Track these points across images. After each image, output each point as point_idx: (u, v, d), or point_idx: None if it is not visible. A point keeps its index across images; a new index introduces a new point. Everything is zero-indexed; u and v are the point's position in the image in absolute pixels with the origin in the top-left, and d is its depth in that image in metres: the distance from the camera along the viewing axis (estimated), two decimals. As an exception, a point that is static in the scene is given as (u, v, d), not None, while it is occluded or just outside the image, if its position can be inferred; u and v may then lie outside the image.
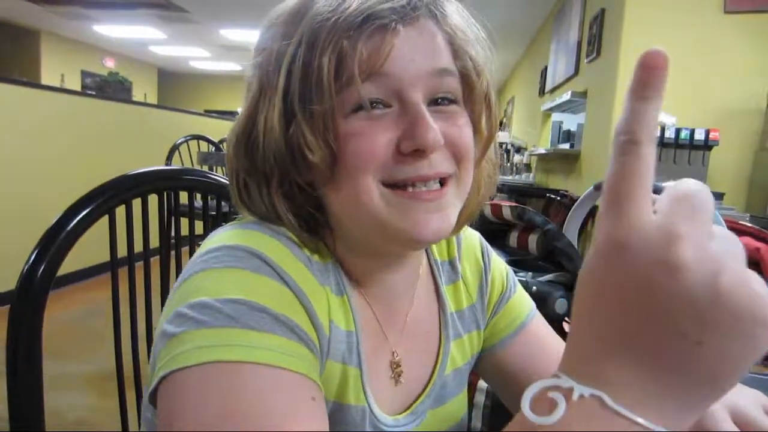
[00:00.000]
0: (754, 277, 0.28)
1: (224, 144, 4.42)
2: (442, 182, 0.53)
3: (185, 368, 0.42)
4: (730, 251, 0.28)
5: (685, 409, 0.29)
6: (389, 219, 0.51)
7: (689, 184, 0.30)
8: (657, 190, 0.30)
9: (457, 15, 0.56)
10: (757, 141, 3.49)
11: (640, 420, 0.28)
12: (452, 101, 0.53)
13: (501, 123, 9.76)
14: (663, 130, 3.25)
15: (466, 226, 0.72)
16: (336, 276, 0.56)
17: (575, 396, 0.29)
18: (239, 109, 0.56)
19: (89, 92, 6.77)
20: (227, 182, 0.58)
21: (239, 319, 0.43)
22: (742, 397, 0.53)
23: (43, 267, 0.71)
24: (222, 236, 0.51)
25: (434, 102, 0.52)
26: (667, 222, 0.28)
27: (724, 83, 3.47)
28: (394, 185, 0.51)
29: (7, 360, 0.69)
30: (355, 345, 0.56)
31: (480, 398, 1.20)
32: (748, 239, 1.44)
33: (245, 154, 0.54)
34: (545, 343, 0.71)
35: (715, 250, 0.28)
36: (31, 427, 0.71)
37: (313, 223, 0.55)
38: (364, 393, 0.56)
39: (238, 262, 0.47)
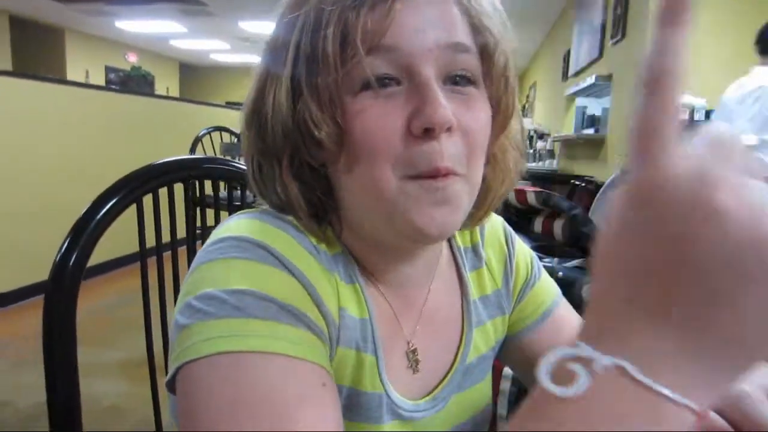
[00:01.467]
0: None
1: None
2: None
3: (194, 360, 0.43)
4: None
5: (715, 379, 0.26)
6: (396, 207, 0.49)
7: (721, 127, 0.28)
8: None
9: None
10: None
11: (667, 392, 0.25)
12: (470, 81, 0.50)
13: (523, 109, 9.65)
14: (692, 112, 3.18)
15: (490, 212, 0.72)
16: (345, 264, 0.55)
17: (597, 367, 0.26)
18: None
19: (113, 87, 6.87)
20: None
21: (245, 310, 0.44)
22: None
23: (75, 255, 0.72)
24: (229, 227, 0.51)
25: (451, 81, 0.49)
26: (703, 165, 0.25)
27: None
28: (407, 174, 0.48)
29: (44, 347, 0.71)
30: (370, 332, 0.55)
31: (506, 385, 1.19)
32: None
33: (256, 134, 0.53)
34: (571, 330, 0.69)
35: (756, 197, 0.25)
36: (69, 412, 0.72)
37: (321, 210, 0.54)
38: (381, 380, 0.56)
39: (243, 252, 0.47)
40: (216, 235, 0.50)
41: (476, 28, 0.51)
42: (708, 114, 3.17)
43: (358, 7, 0.46)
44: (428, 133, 0.47)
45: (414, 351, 0.60)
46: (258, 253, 0.47)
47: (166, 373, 0.47)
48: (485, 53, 0.51)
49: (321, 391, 0.44)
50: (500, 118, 0.54)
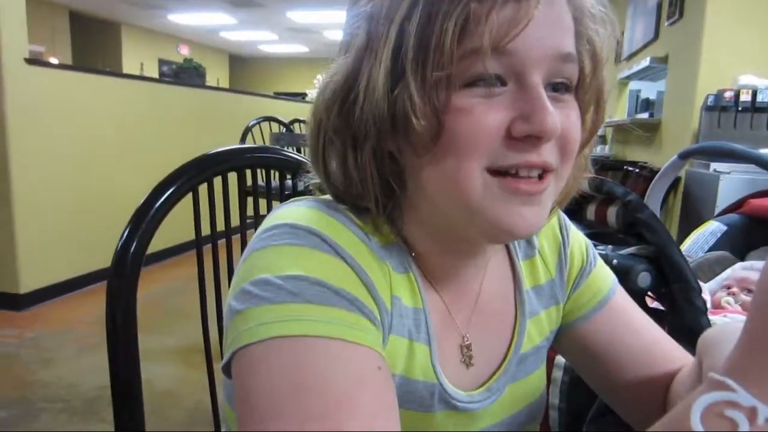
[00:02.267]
0: None
1: (295, 125, 4.51)
2: (542, 175, 0.49)
3: (251, 344, 0.43)
4: None
5: None
6: (483, 206, 0.47)
7: None
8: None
9: None
10: None
11: None
12: (568, 89, 0.49)
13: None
14: (755, 94, 3.03)
15: None
16: (400, 254, 0.54)
17: (761, 419, 0.24)
18: (330, 71, 0.51)
19: (166, 79, 7.06)
20: (302, 160, 0.57)
21: (300, 294, 0.44)
22: None
23: (135, 243, 0.75)
24: (281, 214, 0.51)
25: (551, 87, 0.48)
26: None
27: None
28: (497, 171, 0.47)
29: (107, 333, 0.74)
30: (423, 322, 0.55)
31: (558, 374, 1.18)
32: None
33: (339, 112, 0.50)
34: (629, 319, 0.68)
35: None
36: (131, 394, 0.76)
37: (385, 199, 0.52)
38: (434, 371, 0.55)
39: (296, 239, 0.47)
40: (268, 222, 0.51)
41: (579, 37, 0.49)
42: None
43: (487, 1, 0.43)
44: (530, 139, 0.46)
45: (468, 346, 0.59)
46: (311, 239, 0.48)
47: (222, 359, 0.48)
48: (582, 63, 0.50)
49: (377, 375, 0.44)
50: (586, 127, 0.53)
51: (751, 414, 0.25)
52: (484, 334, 0.61)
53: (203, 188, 0.87)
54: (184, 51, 11.39)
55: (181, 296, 3.73)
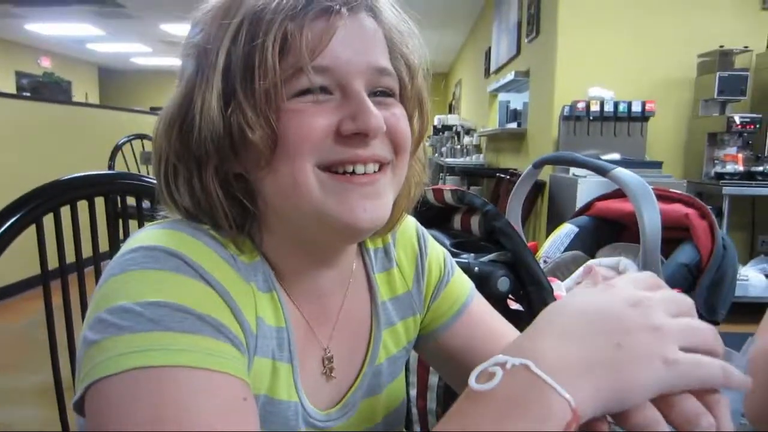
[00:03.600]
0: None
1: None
2: (379, 169, 0.53)
3: (107, 377, 0.41)
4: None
5: (597, 395, 0.37)
6: (325, 204, 0.50)
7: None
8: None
9: (390, 11, 0.56)
10: (690, 109, 3.63)
11: (556, 386, 0.35)
12: (390, 95, 0.55)
13: (450, 106, 9.82)
14: (602, 104, 3.34)
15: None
16: (264, 272, 0.55)
17: (508, 365, 0.37)
18: (168, 100, 0.54)
19: (24, 94, 6.51)
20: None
21: (161, 322, 0.42)
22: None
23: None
24: (140, 237, 0.49)
25: (373, 94, 0.53)
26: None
27: (657, 55, 3.59)
28: (330, 168, 0.51)
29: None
30: (286, 341, 0.55)
31: (433, 380, 1.22)
32: (678, 205, 1.50)
33: (178, 137, 0.52)
34: (487, 322, 0.72)
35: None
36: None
37: (240, 218, 0.54)
38: (296, 389, 0.56)
39: (156, 262, 0.46)
40: (127, 245, 0.49)
41: (393, 54, 0.55)
42: (616, 105, 3.34)
43: (299, 18, 0.48)
44: (359, 136, 0.50)
45: (330, 358, 0.60)
46: (172, 262, 0.46)
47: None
48: (400, 77, 0.56)
49: (242, 406, 0.43)
50: (415, 134, 0.59)
51: (503, 364, 0.37)
52: (344, 347, 0.62)
53: (49, 218, 0.82)
54: (46, 63, 10.55)
55: (43, 330, 3.42)
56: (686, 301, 0.43)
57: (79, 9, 7.34)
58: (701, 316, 0.47)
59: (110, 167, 3.54)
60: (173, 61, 0.57)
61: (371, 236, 0.67)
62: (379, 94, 0.53)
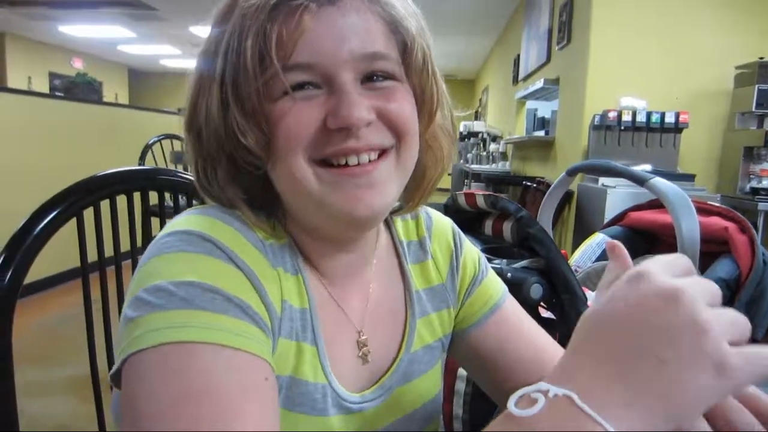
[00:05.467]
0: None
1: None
2: (380, 155, 0.54)
3: (142, 350, 0.43)
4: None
5: (646, 423, 0.33)
6: (324, 196, 0.52)
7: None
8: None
9: None
10: (725, 122, 3.56)
11: (602, 421, 0.32)
12: (388, 77, 0.54)
13: (476, 113, 9.79)
14: (634, 114, 3.29)
15: (439, 213, 0.74)
16: (291, 255, 0.57)
17: (551, 394, 0.34)
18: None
19: (58, 94, 6.64)
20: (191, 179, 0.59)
21: (193, 301, 0.45)
22: None
23: (10, 272, 0.70)
24: (177, 222, 0.52)
25: (369, 79, 0.53)
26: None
27: (692, 65, 3.52)
28: (324, 161, 0.52)
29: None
30: (309, 322, 0.56)
31: (460, 386, 1.21)
32: (717, 219, 1.46)
33: (195, 139, 0.55)
34: (519, 326, 0.71)
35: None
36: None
37: (266, 204, 0.56)
38: (323, 370, 0.57)
39: (190, 246, 0.48)
40: (164, 230, 0.52)
41: (394, 31, 0.54)
42: (649, 115, 3.28)
43: (272, 21, 0.49)
44: (344, 130, 0.51)
45: (365, 342, 0.61)
46: (204, 246, 0.49)
47: (112, 389, 0.46)
48: (404, 52, 0.55)
49: (263, 386, 0.45)
50: (427, 108, 0.58)
51: (545, 392, 0.35)
52: (378, 332, 0.63)
53: (89, 212, 0.83)
54: (78, 64, 10.78)
55: (76, 324, 3.48)
56: (716, 288, 0.39)
57: (110, 11, 7.49)
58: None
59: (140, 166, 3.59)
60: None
61: (405, 223, 0.70)
62: (377, 78, 0.53)
